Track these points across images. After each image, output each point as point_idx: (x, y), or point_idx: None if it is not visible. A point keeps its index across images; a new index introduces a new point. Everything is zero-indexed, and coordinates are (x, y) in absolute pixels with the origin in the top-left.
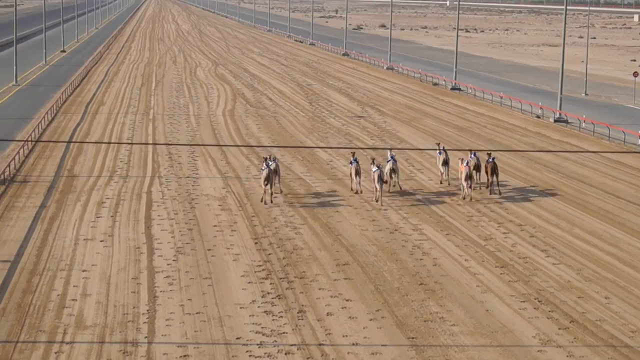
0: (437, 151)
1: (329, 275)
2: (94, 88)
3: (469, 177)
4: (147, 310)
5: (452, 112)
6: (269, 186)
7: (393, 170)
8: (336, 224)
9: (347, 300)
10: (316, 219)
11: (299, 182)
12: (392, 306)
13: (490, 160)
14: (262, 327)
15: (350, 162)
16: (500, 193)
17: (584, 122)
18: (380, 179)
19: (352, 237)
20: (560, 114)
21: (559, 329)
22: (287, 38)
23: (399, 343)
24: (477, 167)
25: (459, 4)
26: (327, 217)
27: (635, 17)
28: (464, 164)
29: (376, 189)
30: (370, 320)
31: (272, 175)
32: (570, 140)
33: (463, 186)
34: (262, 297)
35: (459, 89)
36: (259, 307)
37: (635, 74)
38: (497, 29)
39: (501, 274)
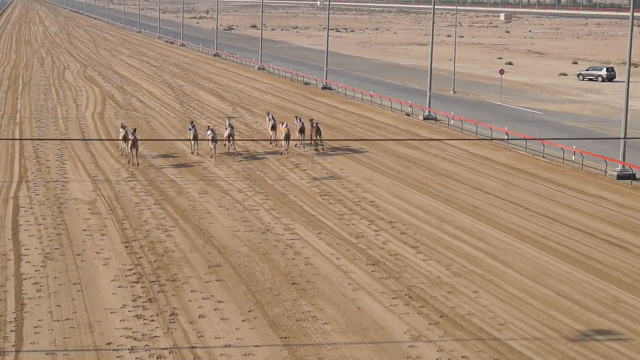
0: (267, 119)
1: (200, 277)
2: None
3: (287, 137)
4: (15, 318)
5: (323, 111)
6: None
7: (230, 135)
8: (208, 225)
9: (219, 302)
10: (188, 220)
11: (170, 184)
12: (264, 306)
13: (314, 124)
14: (133, 332)
15: (189, 129)
16: (323, 149)
17: (453, 119)
18: (214, 140)
19: (224, 238)
20: (429, 112)
21: (430, 324)
22: (158, 39)
23: (272, 343)
24: (302, 130)
25: (329, 4)
26: (199, 219)
27: (502, 15)
28: (284, 126)
29: (210, 148)
30: (243, 321)
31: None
32: (439, 137)
33: (282, 143)
34: (133, 301)
35: (330, 88)
36: (129, 311)
37: (501, 72)
38: (367, 28)
39: (372, 271)
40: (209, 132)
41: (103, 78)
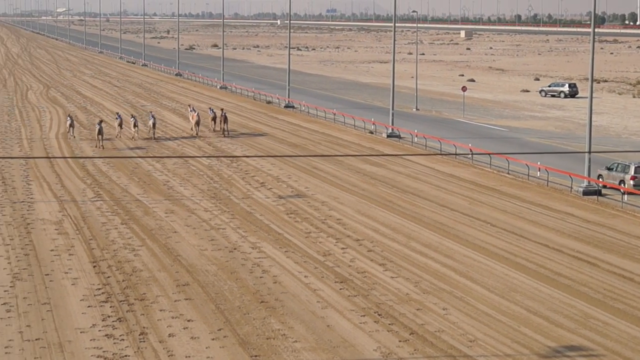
0: (190, 109)
1: (169, 296)
2: None
3: (197, 123)
4: None
5: (286, 129)
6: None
7: (153, 124)
8: (175, 244)
9: (188, 321)
10: (154, 240)
11: (136, 204)
12: (233, 325)
13: (223, 113)
14: (104, 351)
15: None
16: (228, 135)
17: (416, 136)
18: (136, 125)
19: (192, 257)
20: (392, 129)
21: (400, 341)
22: (119, 59)
23: None
24: (214, 118)
25: (289, 23)
26: (166, 238)
27: (462, 32)
28: (195, 114)
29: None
30: (213, 339)
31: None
32: (402, 154)
33: (193, 128)
34: (103, 320)
35: (293, 107)
36: (99, 330)
37: (463, 89)
38: (328, 46)
39: (341, 289)
40: (151, 119)
41: (66, 98)
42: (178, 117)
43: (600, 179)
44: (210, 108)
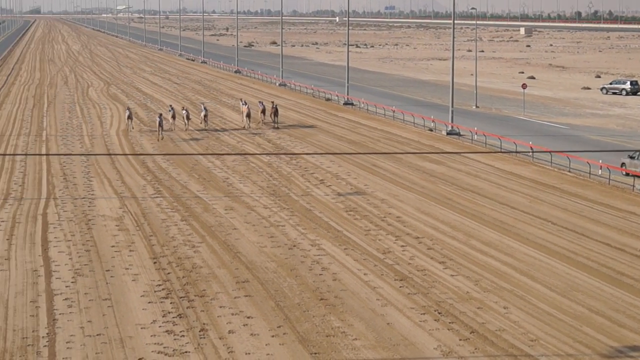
0: (242, 103)
1: (229, 292)
2: None
3: (248, 115)
4: (47, 334)
5: (345, 126)
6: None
7: (205, 116)
8: (234, 241)
9: (248, 318)
10: (214, 236)
11: (196, 201)
12: (293, 322)
13: (274, 106)
14: (164, 347)
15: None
16: (278, 127)
17: (476, 134)
18: (188, 117)
19: (251, 254)
20: (452, 127)
21: (460, 340)
22: (179, 57)
23: (302, 359)
24: (263, 111)
25: (348, 20)
26: (226, 235)
27: (522, 29)
28: (246, 107)
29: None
30: (272, 336)
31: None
32: (462, 151)
33: (244, 120)
34: (163, 316)
35: (352, 104)
36: (160, 326)
37: (523, 86)
38: (386, 44)
39: (400, 287)
40: (184, 111)
41: (126, 95)
42: (237, 115)
43: (624, 167)
44: (259, 101)
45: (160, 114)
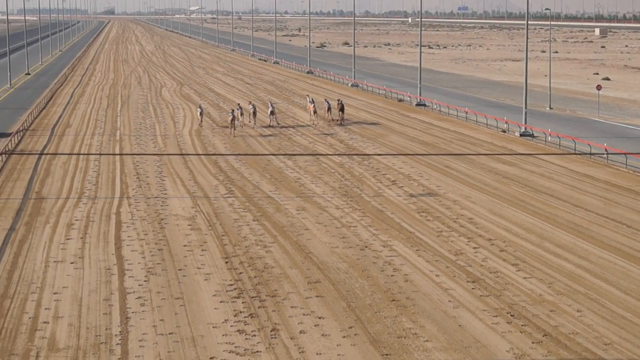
0: (308, 101)
1: (300, 293)
2: (59, 110)
3: (315, 112)
4: (120, 332)
5: (417, 128)
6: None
7: (272, 112)
8: (306, 241)
9: (319, 318)
10: (286, 237)
11: (268, 201)
12: (364, 323)
13: (340, 102)
14: (236, 347)
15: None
16: (343, 124)
17: (550, 135)
18: (255, 114)
19: (323, 255)
20: (525, 128)
21: (533, 342)
22: (251, 57)
23: None
24: (329, 109)
25: (421, 21)
26: (297, 235)
27: (596, 30)
28: (312, 105)
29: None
30: (344, 337)
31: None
32: (535, 153)
33: (311, 117)
34: (235, 316)
35: (424, 105)
36: (231, 326)
37: (598, 87)
38: (459, 44)
39: (473, 288)
40: (251, 106)
41: (199, 95)
42: (309, 115)
43: None
44: (325, 99)
45: (233, 110)
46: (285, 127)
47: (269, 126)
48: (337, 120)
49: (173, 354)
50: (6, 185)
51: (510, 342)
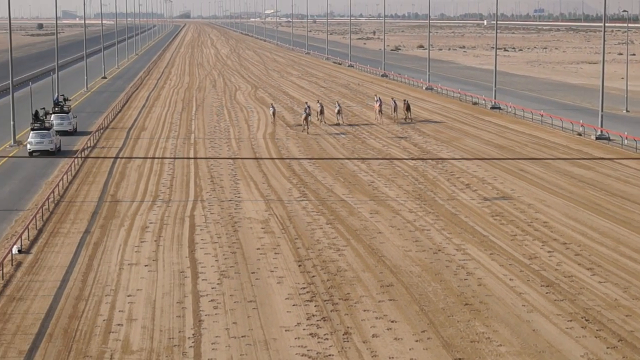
0: (375, 100)
1: (373, 296)
2: (135, 113)
3: (380, 111)
4: (193, 334)
5: (492, 131)
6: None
7: (338, 111)
8: (379, 245)
9: (392, 322)
10: (359, 240)
11: (341, 204)
12: (437, 327)
13: (406, 102)
14: (308, 350)
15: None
16: (412, 121)
17: (626, 139)
18: (322, 112)
19: (396, 258)
20: (601, 132)
21: (607, 347)
22: (326, 60)
23: None
24: (396, 108)
25: (496, 23)
26: (370, 239)
27: None
28: (377, 104)
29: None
30: (416, 341)
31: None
32: (611, 156)
33: (376, 115)
34: (307, 319)
35: (499, 108)
36: (304, 329)
37: None
38: (535, 47)
39: (547, 293)
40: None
41: (273, 99)
42: (384, 118)
43: None
44: (392, 98)
45: (306, 108)
46: (351, 125)
47: (336, 124)
48: (404, 119)
49: (245, 357)
50: (82, 188)
51: (584, 347)
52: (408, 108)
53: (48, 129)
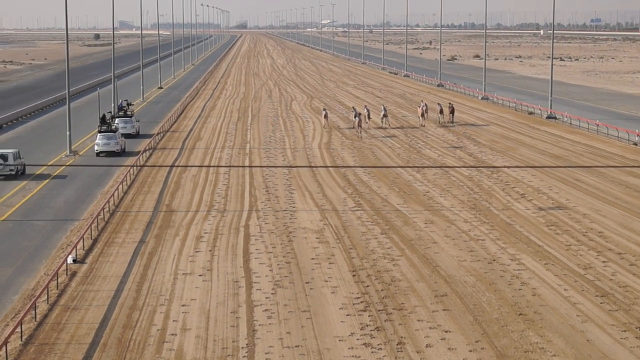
0: (421, 105)
1: (427, 306)
2: (190, 123)
3: (423, 115)
4: (247, 344)
5: (547, 140)
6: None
7: (384, 115)
8: (434, 255)
9: (446, 332)
10: (414, 250)
11: (396, 214)
12: (491, 337)
13: (451, 106)
14: None
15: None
16: (453, 124)
17: None
18: (369, 117)
19: (450, 268)
20: None
21: None
22: (382, 70)
23: None
24: (441, 111)
25: (553, 33)
26: (425, 249)
27: None
28: (420, 108)
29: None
30: (470, 351)
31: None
32: None
33: (420, 119)
34: (361, 329)
35: (555, 118)
36: (357, 339)
37: None
38: (591, 57)
39: (601, 303)
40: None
41: (329, 109)
42: (439, 128)
43: None
44: (438, 103)
45: (358, 114)
46: (395, 128)
47: (381, 127)
48: (448, 122)
49: None
50: (137, 197)
51: (638, 358)
52: (452, 111)
53: (114, 131)
